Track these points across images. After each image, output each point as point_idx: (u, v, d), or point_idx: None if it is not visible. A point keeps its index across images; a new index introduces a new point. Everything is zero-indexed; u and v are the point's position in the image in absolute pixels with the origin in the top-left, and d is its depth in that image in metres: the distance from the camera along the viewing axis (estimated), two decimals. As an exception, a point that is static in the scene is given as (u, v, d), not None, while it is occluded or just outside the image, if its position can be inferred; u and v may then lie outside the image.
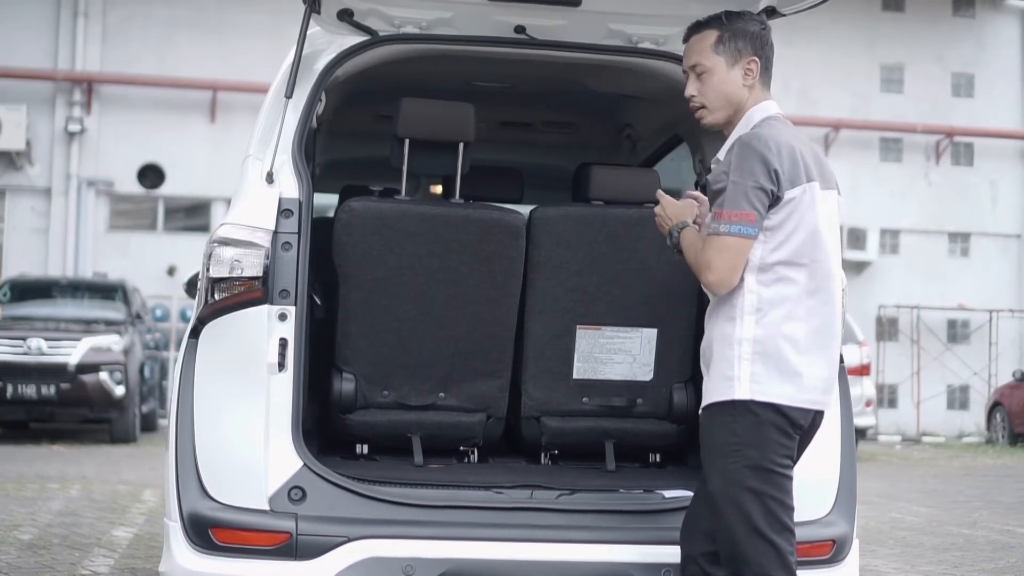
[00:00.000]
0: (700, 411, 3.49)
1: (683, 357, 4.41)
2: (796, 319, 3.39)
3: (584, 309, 4.32)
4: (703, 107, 3.60)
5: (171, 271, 21.41)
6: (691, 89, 3.61)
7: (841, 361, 3.98)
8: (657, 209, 3.63)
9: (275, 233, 3.80)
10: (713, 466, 3.40)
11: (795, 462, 3.45)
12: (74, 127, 21.75)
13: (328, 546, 3.60)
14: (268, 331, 3.73)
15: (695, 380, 4.43)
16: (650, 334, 4.37)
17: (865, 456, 16.67)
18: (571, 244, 4.28)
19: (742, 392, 3.35)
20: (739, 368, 3.36)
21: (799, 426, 3.42)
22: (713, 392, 3.42)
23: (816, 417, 3.50)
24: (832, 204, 3.52)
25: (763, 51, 3.56)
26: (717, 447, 3.39)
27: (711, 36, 3.57)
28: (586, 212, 4.33)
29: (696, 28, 3.63)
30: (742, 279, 3.39)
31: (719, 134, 3.68)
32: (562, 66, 4.55)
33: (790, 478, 3.39)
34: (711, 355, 3.46)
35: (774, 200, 3.36)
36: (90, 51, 22.06)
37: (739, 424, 3.35)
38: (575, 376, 4.36)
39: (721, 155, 3.51)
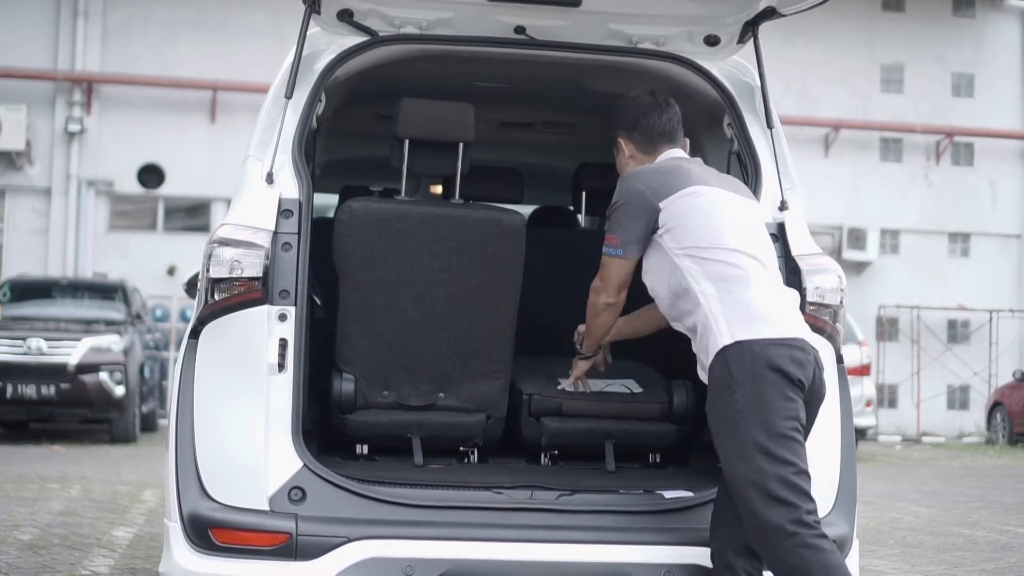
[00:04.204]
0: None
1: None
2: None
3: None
4: None
5: (171, 271, 21.39)
6: None
7: (841, 360, 4.00)
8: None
9: (275, 233, 3.81)
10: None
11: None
12: (74, 127, 21.71)
13: (328, 546, 3.60)
14: (268, 331, 3.73)
15: (695, 380, 4.43)
16: None
17: (865, 456, 16.66)
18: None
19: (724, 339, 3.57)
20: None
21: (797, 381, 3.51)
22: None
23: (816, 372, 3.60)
24: (736, 204, 3.74)
25: (635, 124, 3.89)
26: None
27: None
28: None
29: None
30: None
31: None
32: (562, 66, 4.55)
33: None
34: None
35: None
36: (90, 51, 22.03)
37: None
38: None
39: None
